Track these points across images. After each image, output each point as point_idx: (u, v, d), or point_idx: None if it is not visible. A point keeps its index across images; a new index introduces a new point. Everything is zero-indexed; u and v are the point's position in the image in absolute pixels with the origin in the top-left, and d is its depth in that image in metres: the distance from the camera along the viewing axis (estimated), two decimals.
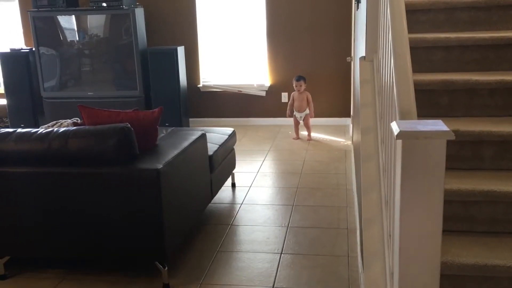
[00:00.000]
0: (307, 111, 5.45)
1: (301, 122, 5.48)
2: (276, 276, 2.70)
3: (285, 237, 3.17)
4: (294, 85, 5.43)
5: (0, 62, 5.82)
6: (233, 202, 3.82)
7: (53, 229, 2.61)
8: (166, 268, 2.60)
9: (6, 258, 2.71)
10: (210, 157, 3.37)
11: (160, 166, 2.52)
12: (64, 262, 2.84)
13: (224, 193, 3.95)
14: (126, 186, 2.52)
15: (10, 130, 2.66)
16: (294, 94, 5.47)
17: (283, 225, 3.33)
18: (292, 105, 5.48)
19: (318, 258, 2.90)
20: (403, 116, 1.23)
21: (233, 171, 4.10)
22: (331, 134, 5.69)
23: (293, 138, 5.52)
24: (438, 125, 1.00)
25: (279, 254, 2.94)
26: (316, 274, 2.71)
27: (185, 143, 2.96)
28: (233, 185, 4.13)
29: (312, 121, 6.22)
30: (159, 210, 2.51)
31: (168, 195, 2.58)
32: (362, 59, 2.36)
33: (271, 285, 2.61)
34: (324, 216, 3.47)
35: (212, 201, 3.72)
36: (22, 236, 2.65)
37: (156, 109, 2.88)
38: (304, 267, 2.80)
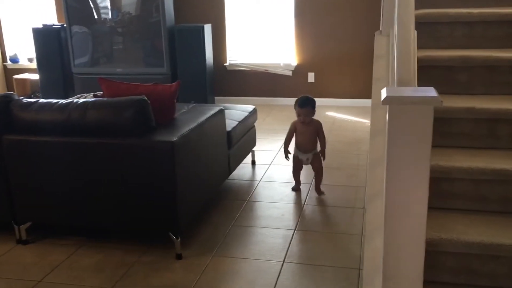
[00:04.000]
0: (315, 149, 3.45)
1: (306, 163, 3.49)
2: (287, 251, 2.71)
3: (300, 215, 3.18)
4: (296, 113, 3.38)
5: (33, 37, 5.98)
6: (251, 179, 3.83)
7: (71, 197, 2.70)
8: (179, 239, 2.65)
9: (28, 224, 2.82)
10: (228, 133, 3.39)
11: (174, 138, 2.56)
12: (83, 230, 2.93)
13: (243, 170, 3.97)
14: (141, 158, 2.57)
15: (33, 100, 2.75)
16: (297, 124, 3.42)
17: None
18: (290, 139, 3.47)
19: (331, 235, 2.89)
20: (401, 85, 1.20)
21: (253, 149, 4.11)
22: (357, 115, 5.61)
23: (293, 189, 3.54)
24: (427, 92, 0.98)
25: (293, 231, 2.95)
26: (328, 251, 2.71)
27: (202, 118, 2.98)
28: (253, 162, 4.14)
29: (337, 102, 6.14)
30: (173, 182, 2.55)
31: (183, 167, 2.61)
32: (378, 33, 2.30)
33: (282, 259, 2.63)
34: (341, 195, 3.45)
35: (231, 177, 3.75)
36: (43, 203, 2.74)
37: (174, 83, 2.91)
38: (316, 243, 2.80)
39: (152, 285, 2.41)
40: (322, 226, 3.01)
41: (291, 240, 2.83)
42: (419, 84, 2.19)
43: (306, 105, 3.35)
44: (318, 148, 3.47)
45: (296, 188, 3.54)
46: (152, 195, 2.59)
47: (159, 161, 2.55)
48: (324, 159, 3.46)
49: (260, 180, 3.77)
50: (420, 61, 2.17)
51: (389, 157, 1.00)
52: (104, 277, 2.49)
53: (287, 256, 2.66)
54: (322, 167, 3.47)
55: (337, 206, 3.28)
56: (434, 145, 2.09)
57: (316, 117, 3.45)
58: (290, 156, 3.51)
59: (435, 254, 1.72)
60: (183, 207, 2.63)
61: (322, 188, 3.48)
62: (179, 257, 2.65)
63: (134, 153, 2.58)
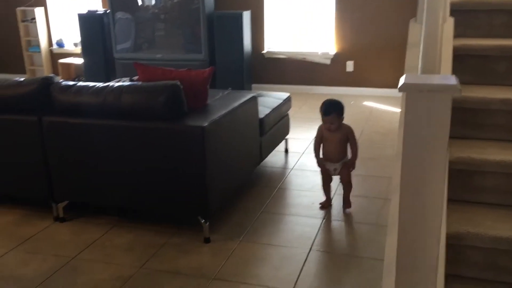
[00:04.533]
0: (345, 159, 3.01)
1: (334, 174, 3.07)
2: (315, 239, 2.71)
3: (330, 204, 3.16)
4: (322, 119, 2.95)
5: (78, 23, 6.16)
6: (283, 167, 3.84)
7: (106, 178, 2.79)
8: (208, 223, 2.70)
9: (65, 202, 2.94)
10: (261, 120, 3.40)
11: (205, 124, 2.59)
12: (116, 210, 3.03)
13: (275, 158, 3.97)
14: (173, 142, 2.62)
15: (71, 83, 2.84)
16: (323, 130, 2.99)
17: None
18: (319, 146, 3.02)
19: (360, 225, 2.87)
20: (425, 73, 1.17)
21: (287, 137, 4.10)
22: (396, 106, 5.49)
23: (321, 206, 3.08)
24: (447, 79, 0.95)
25: (322, 220, 2.94)
26: (355, 241, 2.69)
27: (235, 104, 3.00)
28: (286, 150, 4.14)
29: (376, 92, 6.03)
30: (203, 167, 2.59)
31: (213, 153, 2.65)
32: (413, 20, 2.24)
33: (309, 247, 2.63)
34: (373, 186, 3.40)
35: (263, 164, 3.76)
36: (79, 183, 2.85)
37: (207, 69, 2.94)
38: (344, 233, 2.78)
39: (180, 266, 2.47)
40: (351, 216, 2.98)
41: (319, 229, 2.83)
42: (454, 73, 2.13)
43: (330, 112, 2.88)
44: (350, 155, 3.03)
45: (324, 205, 3.06)
46: (183, 178, 2.64)
47: (190, 145, 2.59)
48: (353, 169, 3.02)
49: (292, 168, 3.76)
50: (456, 49, 2.10)
51: (404, 147, 0.98)
52: (135, 256, 2.57)
53: (314, 244, 2.66)
54: (351, 182, 3.05)
55: (369, 197, 3.24)
56: (467, 137, 2.03)
57: (352, 109, 3.35)
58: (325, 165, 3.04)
59: (461, 248, 1.68)
60: (212, 191, 2.67)
61: (355, 177, 3.39)
62: (207, 240, 2.70)
63: (166, 137, 2.63)
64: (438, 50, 1.23)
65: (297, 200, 3.23)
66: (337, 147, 2.97)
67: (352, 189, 3.08)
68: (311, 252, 2.59)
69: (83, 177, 2.82)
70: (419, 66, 1.22)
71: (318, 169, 3.21)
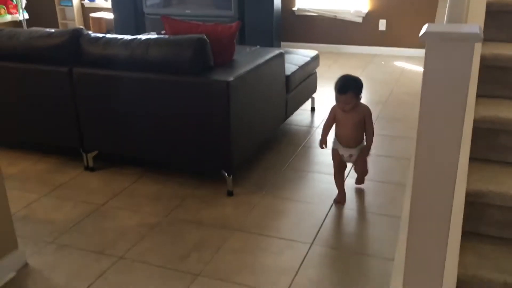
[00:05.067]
0: (363, 144, 2.64)
1: (349, 161, 2.70)
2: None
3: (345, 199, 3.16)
4: (335, 99, 2.56)
5: None
6: (309, 125, 3.83)
7: (134, 130, 2.85)
8: (231, 177, 2.75)
9: (95, 152, 3.04)
10: (287, 77, 3.38)
11: (231, 78, 2.59)
12: (144, 161, 3.11)
13: (301, 116, 3.97)
14: (198, 95, 2.65)
15: (100, 35, 2.87)
16: (336, 110, 2.61)
17: None
18: (329, 127, 2.68)
19: (382, 185, 2.87)
20: (450, 22, 1.14)
21: (314, 95, 4.07)
22: None
23: (336, 202, 2.68)
24: (470, 28, 0.92)
25: (345, 177, 2.96)
26: (377, 200, 2.70)
27: (261, 60, 2.99)
28: (312, 109, 4.12)
29: (408, 52, 5.89)
30: (227, 121, 2.62)
31: (238, 107, 2.66)
32: None
33: (330, 205, 2.66)
34: (399, 147, 3.37)
35: (288, 122, 3.77)
36: (108, 133, 2.92)
37: (233, 24, 2.91)
38: (367, 191, 2.79)
39: (203, 217, 2.54)
40: (375, 175, 2.98)
41: None
42: (488, 29, 2.06)
43: (347, 90, 2.47)
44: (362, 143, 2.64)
45: (339, 200, 2.67)
46: (208, 132, 2.68)
47: (215, 99, 2.61)
48: (368, 155, 2.67)
49: (317, 127, 3.75)
50: (491, 5, 2.02)
51: (422, 99, 0.97)
52: (160, 205, 2.65)
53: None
54: (366, 170, 2.73)
55: (393, 157, 3.22)
56: (496, 96, 1.98)
57: (383, 70, 3.16)
58: (327, 147, 2.72)
59: (481, 206, 1.68)
60: (236, 146, 2.70)
61: (382, 137, 3.36)
62: (230, 193, 2.76)
63: (192, 90, 2.66)
64: (466, 1, 1.19)
65: (321, 158, 3.24)
66: (354, 131, 2.58)
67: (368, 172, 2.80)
68: (331, 208, 2.62)
69: (111, 128, 2.89)
70: (445, 15, 1.18)
71: None
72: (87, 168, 3.06)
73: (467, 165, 1.67)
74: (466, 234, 1.66)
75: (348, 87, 2.49)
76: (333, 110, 2.63)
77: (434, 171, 1.06)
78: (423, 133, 1.03)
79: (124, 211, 2.60)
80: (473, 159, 1.76)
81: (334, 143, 2.68)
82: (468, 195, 1.63)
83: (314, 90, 4.03)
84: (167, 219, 2.53)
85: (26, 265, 2.16)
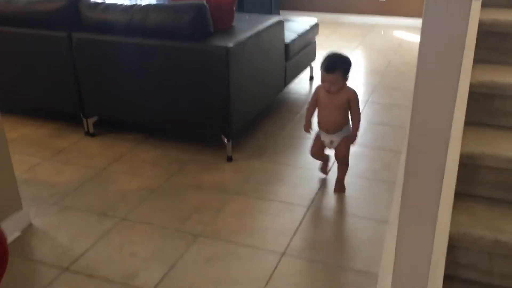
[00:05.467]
0: (345, 130, 2.43)
1: (330, 147, 2.49)
2: (333, 164, 2.78)
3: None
4: (321, 78, 2.35)
5: None
6: (307, 94, 3.85)
7: (133, 95, 2.87)
8: (231, 142, 2.79)
9: (95, 118, 3.06)
10: (287, 45, 3.38)
11: (230, 44, 2.60)
12: (143, 127, 3.14)
13: (300, 85, 3.98)
14: (198, 61, 2.66)
15: (99, 0, 2.86)
16: (320, 91, 2.41)
17: None
18: (313, 109, 2.48)
19: (378, 152, 2.92)
20: None
21: (312, 64, 4.08)
22: None
23: (321, 170, 2.65)
24: None
25: None
26: (372, 165, 2.75)
27: (260, 27, 2.99)
28: (311, 78, 4.13)
29: (409, 22, 5.87)
30: (227, 87, 2.64)
31: (237, 74, 2.68)
32: None
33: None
34: (396, 115, 3.41)
35: (287, 91, 3.79)
36: (108, 99, 2.95)
37: None
38: (363, 158, 2.84)
39: (203, 181, 2.59)
40: (372, 142, 3.03)
41: None
42: None
43: (334, 69, 2.27)
44: (345, 130, 2.42)
45: (323, 168, 2.63)
46: (208, 98, 2.71)
47: (215, 65, 2.62)
48: (354, 143, 2.45)
49: None
50: None
51: (419, 58, 0.99)
52: (161, 170, 2.70)
53: (331, 166, 2.74)
54: (347, 158, 2.48)
55: (390, 125, 3.26)
56: (491, 61, 2.01)
57: (382, 40, 3.00)
58: (313, 132, 2.56)
59: (474, 168, 1.72)
60: (236, 112, 2.73)
61: (379, 106, 3.41)
62: (229, 159, 2.81)
63: (192, 56, 2.67)
64: None
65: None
66: (336, 115, 2.38)
67: (349, 168, 2.55)
68: (329, 173, 2.67)
69: (111, 94, 2.91)
70: None
71: None
72: (87, 133, 3.09)
73: (462, 128, 1.71)
74: (460, 195, 1.71)
75: (336, 65, 2.27)
76: (316, 90, 2.42)
77: (428, 131, 1.10)
78: (419, 94, 1.06)
79: (125, 175, 2.65)
80: (468, 123, 1.80)
81: (318, 128, 2.50)
82: (463, 157, 1.68)
83: (313, 59, 4.04)
84: (168, 183, 2.57)
85: (30, 225, 2.22)
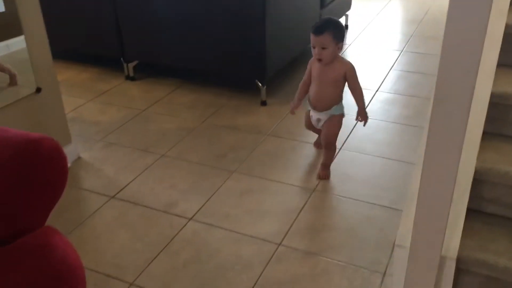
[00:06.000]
0: (335, 109, 2.18)
1: (317, 126, 2.28)
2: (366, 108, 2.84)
3: (384, 77, 3.22)
4: (311, 45, 2.09)
5: None
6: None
7: (171, 40, 2.96)
8: (265, 87, 2.87)
9: (135, 62, 3.18)
10: None
11: None
12: (181, 73, 3.25)
13: None
14: (236, 6, 2.70)
15: None
16: (313, 63, 2.18)
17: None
18: (306, 85, 2.24)
19: (412, 99, 2.95)
20: None
21: (347, 13, 4.05)
22: None
23: (315, 144, 2.49)
24: None
25: (375, 92, 3.04)
26: (405, 112, 2.79)
27: None
28: (346, 26, 4.11)
29: None
30: (263, 31, 2.69)
31: (273, 19, 2.72)
32: None
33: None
34: (430, 64, 3.40)
35: None
36: (147, 44, 3.05)
37: None
38: (396, 104, 2.88)
39: (238, 123, 2.70)
40: (406, 90, 3.04)
41: (371, 99, 2.94)
42: None
43: (322, 30, 2.01)
44: (335, 109, 2.17)
45: (317, 142, 2.45)
46: (244, 42, 2.77)
47: (252, 10, 2.67)
48: (365, 122, 2.20)
49: (349, 44, 3.78)
50: None
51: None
52: (197, 113, 2.81)
53: None
54: (331, 141, 2.23)
55: (424, 73, 3.26)
56: None
57: None
58: (301, 110, 2.34)
59: (505, 108, 1.76)
60: (271, 56, 2.80)
61: (414, 55, 3.40)
62: (263, 103, 2.89)
63: (229, 2, 2.72)
64: None
65: None
66: (327, 91, 2.13)
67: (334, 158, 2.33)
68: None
69: (150, 38, 3.01)
70: None
71: (375, 44, 3.11)
72: (128, 77, 3.22)
73: (494, 69, 1.74)
74: (489, 135, 1.75)
75: (326, 27, 2.01)
76: (310, 62, 2.20)
77: (457, 69, 1.15)
78: (448, 38, 1.11)
79: (164, 116, 2.78)
80: (501, 65, 1.81)
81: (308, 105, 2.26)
82: (493, 96, 1.71)
83: (348, 8, 4.00)
84: (204, 124, 2.69)
85: (79, 158, 2.39)
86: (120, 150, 2.46)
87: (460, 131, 1.23)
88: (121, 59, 3.17)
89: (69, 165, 2.32)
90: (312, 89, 2.19)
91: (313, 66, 2.18)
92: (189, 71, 3.21)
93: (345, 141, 2.51)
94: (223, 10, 2.74)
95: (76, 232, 1.93)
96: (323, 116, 2.20)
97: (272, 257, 1.79)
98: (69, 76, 3.29)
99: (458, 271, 1.52)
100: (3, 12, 1.98)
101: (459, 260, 1.46)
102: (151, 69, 3.28)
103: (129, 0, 2.95)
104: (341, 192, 2.14)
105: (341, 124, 2.22)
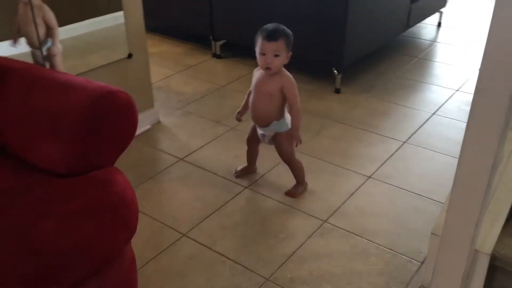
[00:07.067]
0: (277, 126, 1.98)
1: (264, 142, 2.08)
2: (441, 106, 2.79)
3: (468, 79, 3.12)
4: (259, 51, 1.90)
5: None
6: (432, 40, 3.77)
7: (257, 21, 3.10)
8: (341, 75, 2.93)
9: (222, 41, 3.39)
10: None
11: None
12: None
13: (425, 30, 3.90)
14: None
15: None
16: (256, 72, 2.04)
17: None
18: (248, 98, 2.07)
19: None
20: None
21: (442, 10, 3.94)
22: None
23: (235, 174, 2.20)
24: None
25: (455, 91, 2.97)
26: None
27: None
28: (439, 24, 4.01)
29: None
30: (344, 20, 2.75)
31: (356, 9, 2.76)
32: None
33: (433, 111, 2.73)
34: None
35: (408, 34, 3.75)
36: (235, 24, 3.23)
37: None
38: None
39: (309, 106, 2.79)
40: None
41: (449, 98, 2.88)
42: None
43: (277, 37, 1.85)
44: (276, 125, 1.98)
45: (238, 173, 2.19)
46: (325, 30, 2.85)
47: None
48: (296, 144, 1.96)
49: (440, 42, 3.69)
50: None
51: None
52: None
53: (439, 110, 2.75)
54: (288, 157, 2.05)
55: None
56: None
57: None
58: (248, 123, 2.14)
59: None
60: (350, 45, 2.85)
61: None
62: (337, 91, 2.96)
63: None
64: None
65: (437, 71, 3.25)
66: (261, 103, 1.95)
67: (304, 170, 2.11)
68: (433, 116, 2.70)
69: (238, 19, 3.19)
70: None
71: (470, 41, 3.00)
72: (214, 55, 3.44)
73: None
74: None
75: (281, 33, 1.86)
76: (254, 71, 2.05)
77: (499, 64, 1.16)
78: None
79: (240, 93, 2.93)
80: None
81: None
82: None
83: (443, 5, 3.89)
84: None
85: (158, 122, 2.64)
86: (195, 119, 2.67)
87: (500, 123, 1.24)
88: (211, 37, 3.39)
89: (149, 127, 2.58)
90: (251, 101, 2.01)
91: (255, 74, 2.01)
92: None
93: (412, 135, 2.51)
94: None
95: (146, 184, 2.16)
96: (267, 131, 2.00)
97: (315, 231, 1.89)
98: (164, 49, 3.59)
99: (494, 269, 1.51)
100: None
101: (495, 258, 1.47)
102: (237, 48, 3.46)
103: None
104: (396, 182, 2.17)
105: (290, 141, 1.98)
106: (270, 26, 1.91)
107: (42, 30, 2.08)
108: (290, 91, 1.92)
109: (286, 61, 1.91)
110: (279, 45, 1.85)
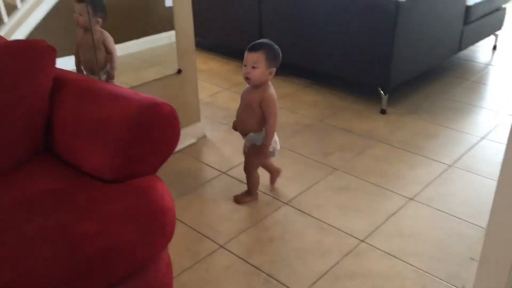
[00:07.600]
0: (253, 138, 2.06)
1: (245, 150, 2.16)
2: (491, 131, 2.71)
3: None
4: (243, 61, 1.95)
5: None
6: (486, 63, 3.67)
7: (306, 42, 3.16)
8: (387, 96, 2.91)
9: None
10: (468, 7, 3.27)
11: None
12: (309, 73, 3.43)
13: (479, 53, 3.81)
14: (367, 14, 2.80)
15: None
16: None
17: None
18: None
19: None
20: None
21: (497, 33, 3.83)
22: None
23: (270, 188, 2.27)
24: None
25: (507, 115, 2.87)
26: None
27: None
28: (494, 47, 3.90)
29: None
30: (392, 41, 2.74)
31: (404, 30, 2.76)
32: None
33: (482, 136, 2.65)
34: None
35: (461, 57, 3.68)
36: (283, 44, 3.29)
37: None
38: None
39: (353, 126, 2.79)
40: None
41: (500, 123, 2.79)
42: None
43: (258, 48, 1.90)
44: (255, 135, 2.05)
45: (271, 186, 2.27)
46: (372, 50, 2.85)
47: (383, 19, 2.74)
48: (265, 157, 2.08)
49: (494, 65, 3.58)
50: None
51: None
52: (317, 111, 2.97)
53: (488, 135, 2.67)
54: (248, 168, 2.13)
55: None
56: None
57: None
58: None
59: None
60: (397, 66, 2.83)
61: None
62: (383, 111, 2.94)
63: (362, 5, 2.82)
64: None
65: (488, 94, 3.16)
66: (242, 113, 2.04)
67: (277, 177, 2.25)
68: (482, 140, 2.62)
69: (287, 39, 3.25)
70: None
71: None
72: None
73: None
74: None
75: (262, 46, 1.91)
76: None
77: None
78: None
79: (285, 111, 2.99)
80: None
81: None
82: None
83: (499, 27, 3.79)
84: (320, 123, 2.84)
85: (204, 136, 2.72)
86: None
87: None
88: None
89: (194, 140, 2.66)
90: (238, 110, 2.08)
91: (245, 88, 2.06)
92: (318, 73, 3.38)
93: (458, 159, 2.45)
94: (354, 16, 2.85)
95: (188, 195, 2.23)
96: (247, 142, 2.09)
97: (352, 250, 1.88)
98: (213, 67, 3.70)
99: None
100: (169, 7, 2.38)
101: None
102: (284, 67, 3.50)
103: (273, 1, 3.23)
104: (439, 206, 2.12)
105: (261, 156, 2.05)
106: (259, 40, 1.96)
107: (101, 55, 2.21)
108: (267, 107, 1.97)
109: (267, 77, 1.95)
110: (258, 57, 1.89)
